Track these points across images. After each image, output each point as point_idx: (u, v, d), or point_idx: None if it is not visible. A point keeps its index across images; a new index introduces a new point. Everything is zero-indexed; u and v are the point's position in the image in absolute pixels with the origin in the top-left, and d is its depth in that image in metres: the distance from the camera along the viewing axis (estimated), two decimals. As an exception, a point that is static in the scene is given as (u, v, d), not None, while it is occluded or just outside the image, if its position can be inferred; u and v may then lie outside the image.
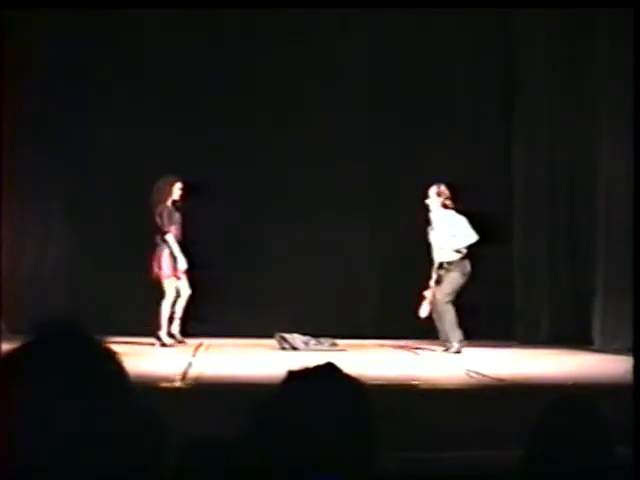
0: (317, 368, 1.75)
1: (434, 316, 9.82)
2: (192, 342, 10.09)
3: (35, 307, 10.21)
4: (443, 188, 9.83)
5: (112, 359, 1.54)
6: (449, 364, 8.66)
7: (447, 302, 9.72)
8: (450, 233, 9.78)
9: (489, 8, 10.49)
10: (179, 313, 10.14)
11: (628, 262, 9.83)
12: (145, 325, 10.08)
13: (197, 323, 11.02)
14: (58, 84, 11.13)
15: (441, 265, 9.88)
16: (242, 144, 11.35)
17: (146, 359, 8.17)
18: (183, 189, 10.11)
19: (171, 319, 10.13)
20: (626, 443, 2.49)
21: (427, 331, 11.04)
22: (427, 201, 9.87)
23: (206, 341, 10.24)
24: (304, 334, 10.17)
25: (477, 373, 7.64)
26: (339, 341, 10.18)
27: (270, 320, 10.66)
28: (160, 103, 11.19)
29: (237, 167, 11.33)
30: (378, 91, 11.58)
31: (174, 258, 9.96)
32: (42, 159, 11.09)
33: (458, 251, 9.81)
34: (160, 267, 10.00)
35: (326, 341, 10.16)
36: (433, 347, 10.18)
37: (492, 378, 7.40)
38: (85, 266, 11.36)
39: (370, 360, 8.87)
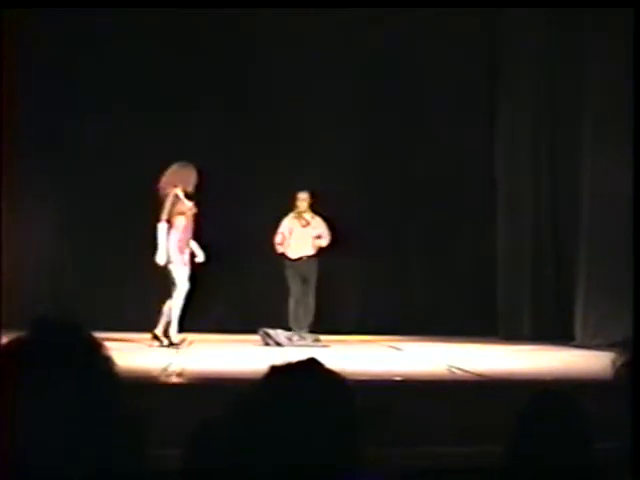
0: (299, 363, 1.76)
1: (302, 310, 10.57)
2: (176, 337, 10.08)
3: (21, 302, 10.21)
4: (313, 194, 10.79)
5: (100, 355, 1.55)
6: (431, 360, 8.68)
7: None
8: (318, 233, 10.77)
9: (484, 8, 10.50)
10: (172, 311, 9.48)
11: (610, 259, 9.89)
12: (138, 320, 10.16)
13: (181, 318, 11.03)
14: (58, 84, 11.13)
15: (300, 258, 10.68)
16: (226, 142, 11.39)
17: (128, 354, 8.15)
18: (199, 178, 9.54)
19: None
20: (607, 439, 2.51)
21: (410, 326, 11.10)
22: (301, 202, 10.72)
23: (190, 336, 10.24)
24: (287, 330, 10.19)
25: (459, 369, 7.67)
26: (322, 337, 10.21)
27: (254, 316, 10.68)
28: (160, 103, 11.21)
29: (225, 163, 11.36)
30: (364, 90, 11.62)
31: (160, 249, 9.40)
32: (42, 158, 11.11)
33: (319, 248, 10.78)
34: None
35: (309, 337, 10.19)
36: (415, 342, 10.23)
37: (474, 374, 7.43)
38: (74, 261, 11.38)
39: (353, 356, 8.90)
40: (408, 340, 10.46)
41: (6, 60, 10.03)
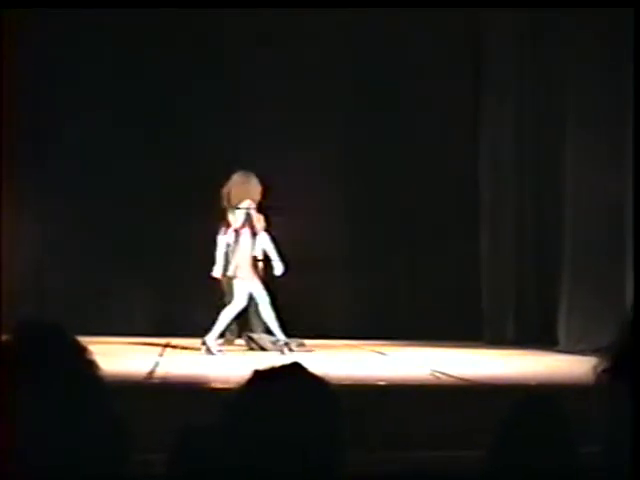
0: (283, 368, 1.76)
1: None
2: (159, 341, 10.08)
3: (7, 304, 10.18)
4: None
5: (84, 359, 1.55)
6: (415, 364, 8.69)
7: None
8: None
9: (482, 8, 10.52)
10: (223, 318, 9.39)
11: (594, 265, 9.91)
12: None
13: (164, 322, 11.03)
14: (58, 84, 11.13)
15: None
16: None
17: (111, 357, 8.13)
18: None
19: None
20: (592, 444, 2.52)
21: (395, 331, 11.11)
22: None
23: (173, 341, 10.22)
24: (272, 334, 10.16)
25: (443, 373, 7.67)
26: (307, 341, 10.20)
27: (238, 320, 10.65)
28: (160, 102, 11.22)
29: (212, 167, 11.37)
30: (350, 89, 11.65)
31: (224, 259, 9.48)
32: (41, 158, 11.10)
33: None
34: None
35: (294, 341, 10.16)
36: (399, 347, 10.24)
37: (458, 379, 7.43)
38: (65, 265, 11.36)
39: (337, 360, 8.90)
40: (392, 345, 10.46)
41: (6, 60, 10.02)
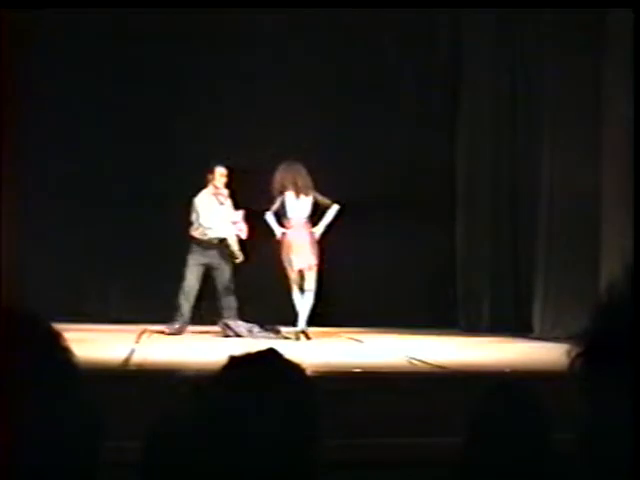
0: (259, 354, 1.76)
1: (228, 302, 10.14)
2: (135, 328, 10.05)
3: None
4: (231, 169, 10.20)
5: (58, 345, 1.54)
6: (391, 351, 8.72)
7: None
8: (234, 219, 10.16)
9: (473, 8, 10.52)
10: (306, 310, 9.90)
11: (569, 252, 9.99)
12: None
13: (141, 309, 11.01)
14: (58, 84, 11.05)
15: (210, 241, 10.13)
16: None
17: (88, 345, 8.11)
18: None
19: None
20: (564, 429, 2.54)
21: (371, 318, 11.13)
22: (220, 178, 10.10)
23: (150, 327, 10.21)
24: (248, 321, 10.16)
25: (419, 360, 7.70)
26: (283, 329, 10.20)
27: (214, 307, 10.64)
28: (160, 103, 11.17)
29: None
30: (335, 86, 11.66)
31: None
32: (42, 157, 11.05)
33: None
34: None
35: (271, 328, 10.16)
36: (376, 334, 10.27)
37: (434, 365, 7.46)
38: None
39: (314, 347, 8.91)
40: (369, 332, 10.49)
41: (6, 60, 9.95)
